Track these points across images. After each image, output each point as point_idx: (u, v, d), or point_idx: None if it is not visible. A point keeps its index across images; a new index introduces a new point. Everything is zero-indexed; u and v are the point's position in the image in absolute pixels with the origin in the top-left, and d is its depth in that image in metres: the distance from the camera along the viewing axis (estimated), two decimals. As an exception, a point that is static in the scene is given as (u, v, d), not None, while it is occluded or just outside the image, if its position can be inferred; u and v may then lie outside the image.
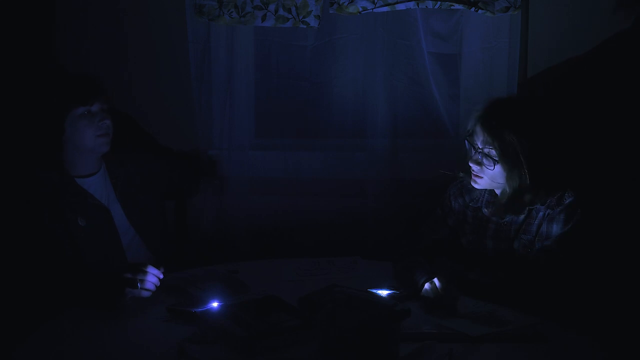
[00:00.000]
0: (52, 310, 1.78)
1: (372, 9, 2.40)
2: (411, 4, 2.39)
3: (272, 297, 1.76)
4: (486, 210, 2.03)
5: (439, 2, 2.38)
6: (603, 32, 2.39)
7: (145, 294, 1.85)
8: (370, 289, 1.84)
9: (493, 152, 1.91)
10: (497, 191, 2.01)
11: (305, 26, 2.47)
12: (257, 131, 2.75)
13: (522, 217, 1.97)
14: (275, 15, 2.46)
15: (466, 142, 1.99)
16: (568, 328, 1.67)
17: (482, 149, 1.93)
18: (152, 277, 1.86)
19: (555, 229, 1.92)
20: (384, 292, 1.86)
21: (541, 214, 1.95)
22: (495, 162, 1.91)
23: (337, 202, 2.68)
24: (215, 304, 1.75)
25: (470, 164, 1.97)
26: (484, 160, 1.93)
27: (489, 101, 1.99)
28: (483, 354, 1.58)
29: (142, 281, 1.83)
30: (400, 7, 2.40)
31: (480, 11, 2.38)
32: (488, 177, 1.95)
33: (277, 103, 2.73)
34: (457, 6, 2.39)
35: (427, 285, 1.83)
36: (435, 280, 1.82)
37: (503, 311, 1.76)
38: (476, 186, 2.00)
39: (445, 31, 2.57)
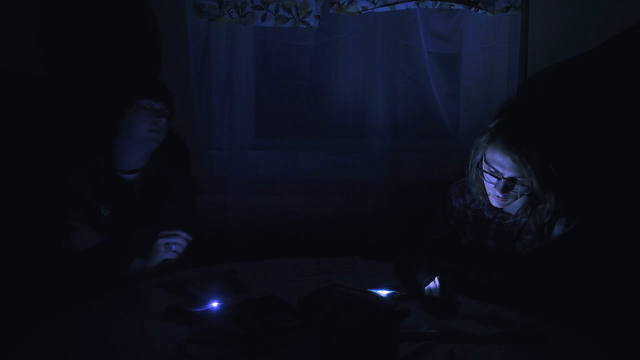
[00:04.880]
0: (52, 310, 1.78)
1: (372, 9, 2.40)
2: (411, 4, 2.39)
3: (272, 297, 1.76)
4: (488, 213, 2.02)
5: (439, 2, 2.38)
6: (603, 33, 2.39)
7: (172, 255, 2.07)
8: (370, 289, 1.84)
9: (526, 182, 1.84)
10: (517, 202, 1.95)
11: (305, 26, 2.47)
12: (257, 131, 2.75)
13: (524, 218, 1.97)
14: (275, 15, 2.46)
15: (477, 169, 1.91)
16: (568, 328, 1.68)
17: (508, 178, 1.85)
18: (182, 240, 2.08)
19: (557, 229, 1.91)
20: (384, 292, 1.87)
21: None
22: (528, 188, 1.84)
23: (337, 202, 2.68)
24: (215, 304, 1.75)
25: (495, 191, 1.88)
26: (515, 187, 1.86)
27: (499, 126, 1.87)
28: (483, 354, 1.58)
29: (175, 243, 2.06)
30: (400, 7, 2.40)
31: (480, 11, 2.38)
32: (513, 198, 1.90)
33: (277, 103, 2.73)
34: (457, 6, 2.39)
35: (429, 286, 1.84)
36: (436, 280, 1.83)
37: (503, 311, 1.76)
38: (497, 205, 1.95)
39: (445, 31, 2.57)
